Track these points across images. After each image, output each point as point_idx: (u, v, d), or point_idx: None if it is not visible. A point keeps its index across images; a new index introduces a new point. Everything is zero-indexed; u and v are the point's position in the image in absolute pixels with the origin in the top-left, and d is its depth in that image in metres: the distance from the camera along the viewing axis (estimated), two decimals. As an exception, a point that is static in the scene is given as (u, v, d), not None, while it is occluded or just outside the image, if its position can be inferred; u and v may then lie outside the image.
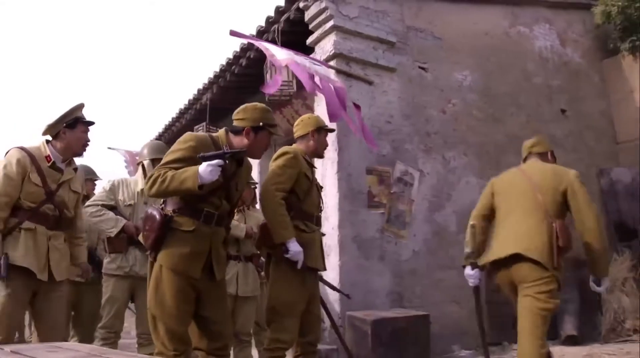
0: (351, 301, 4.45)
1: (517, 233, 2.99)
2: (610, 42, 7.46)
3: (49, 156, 3.00)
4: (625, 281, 5.79)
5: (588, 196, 3.01)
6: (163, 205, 2.62)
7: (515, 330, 2.99)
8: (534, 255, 2.87)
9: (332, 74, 4.77)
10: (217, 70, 7.06)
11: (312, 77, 4.42)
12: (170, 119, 9.31)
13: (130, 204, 3.70)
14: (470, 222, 3.31)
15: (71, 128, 3.04)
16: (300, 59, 4.47)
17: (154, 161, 3.73)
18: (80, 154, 3.15)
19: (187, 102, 8.34)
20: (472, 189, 5.86)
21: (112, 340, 3.54)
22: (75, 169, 3.18)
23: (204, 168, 2.40)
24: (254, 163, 3.26)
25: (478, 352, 5.15)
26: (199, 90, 7.76)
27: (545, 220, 2.94)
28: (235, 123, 2.72)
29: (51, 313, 2.98)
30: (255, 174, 4.95)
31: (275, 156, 3.05)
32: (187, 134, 2.66)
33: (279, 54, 4.42)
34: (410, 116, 5.60)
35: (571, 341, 5.41)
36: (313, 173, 3.17)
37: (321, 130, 3.24)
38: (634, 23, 7.14)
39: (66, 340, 3.40)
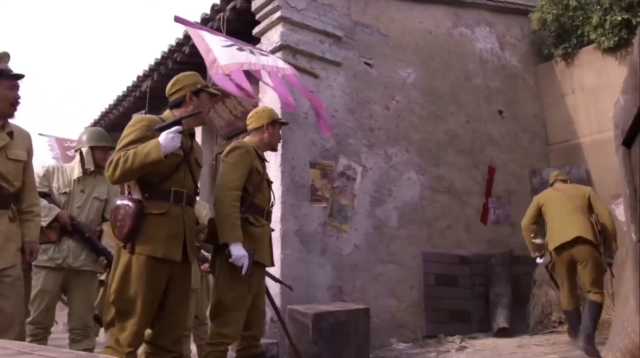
0: (292, 294, 4.44)
1: (575, 223, 4.45)
2: (545, 48, 7.82)
3: None
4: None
5: (600, 199, 4.63)
6: (130, 196, 2.53)
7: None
8: (589, 237, 4.37)
9: (280, 62, 4.68)
10: (159, 57, 6.85)
11: (258, 72, 4.31)
12: (108, 106, 8.95)
13: (65, 192, 3.49)
14: (523, 233, 4.88)
15: None
16: (245, 53, 4.29)
17: (93, 149, 3.59)
18: (10, 116, 2.69)
19: (125, 89, 8.05)
20: (413, 185, 5.98)
21: (41, 336, 3.33)
22: (11, 133, 2.69)
23: (164, 136, 2.39)
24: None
25: (415, 345, 5.27)
26: (138, 77, 7.50)
27: (585, 216, 4.48)
28: (173, 97, 2.70)
29: None
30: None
31: (226, 151, 2.98)
32: (136, 117, 2.61)
33: (222, 58, 4.03)
34: (355, 111, 5.63)
35: (503, 333, 5.63)
36: (264, 167, 3.12)
37: (275, 123, 3.20)
38: (566, 31, 7.52)
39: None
